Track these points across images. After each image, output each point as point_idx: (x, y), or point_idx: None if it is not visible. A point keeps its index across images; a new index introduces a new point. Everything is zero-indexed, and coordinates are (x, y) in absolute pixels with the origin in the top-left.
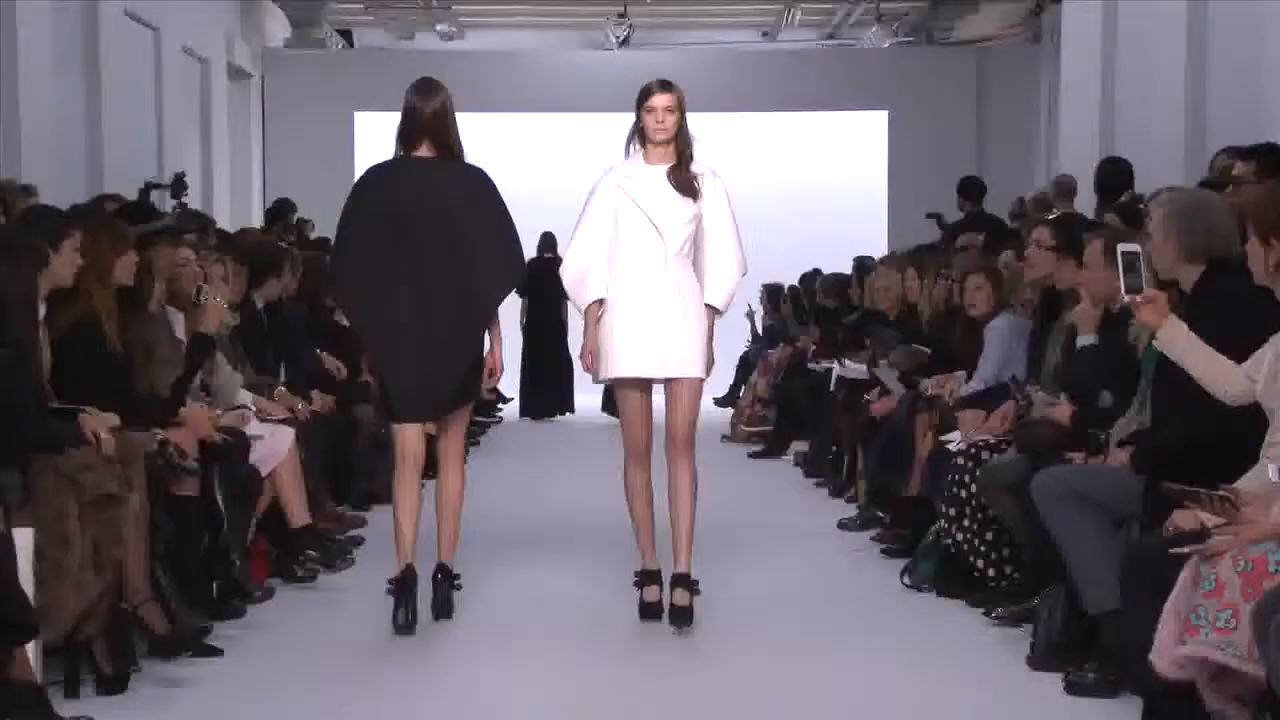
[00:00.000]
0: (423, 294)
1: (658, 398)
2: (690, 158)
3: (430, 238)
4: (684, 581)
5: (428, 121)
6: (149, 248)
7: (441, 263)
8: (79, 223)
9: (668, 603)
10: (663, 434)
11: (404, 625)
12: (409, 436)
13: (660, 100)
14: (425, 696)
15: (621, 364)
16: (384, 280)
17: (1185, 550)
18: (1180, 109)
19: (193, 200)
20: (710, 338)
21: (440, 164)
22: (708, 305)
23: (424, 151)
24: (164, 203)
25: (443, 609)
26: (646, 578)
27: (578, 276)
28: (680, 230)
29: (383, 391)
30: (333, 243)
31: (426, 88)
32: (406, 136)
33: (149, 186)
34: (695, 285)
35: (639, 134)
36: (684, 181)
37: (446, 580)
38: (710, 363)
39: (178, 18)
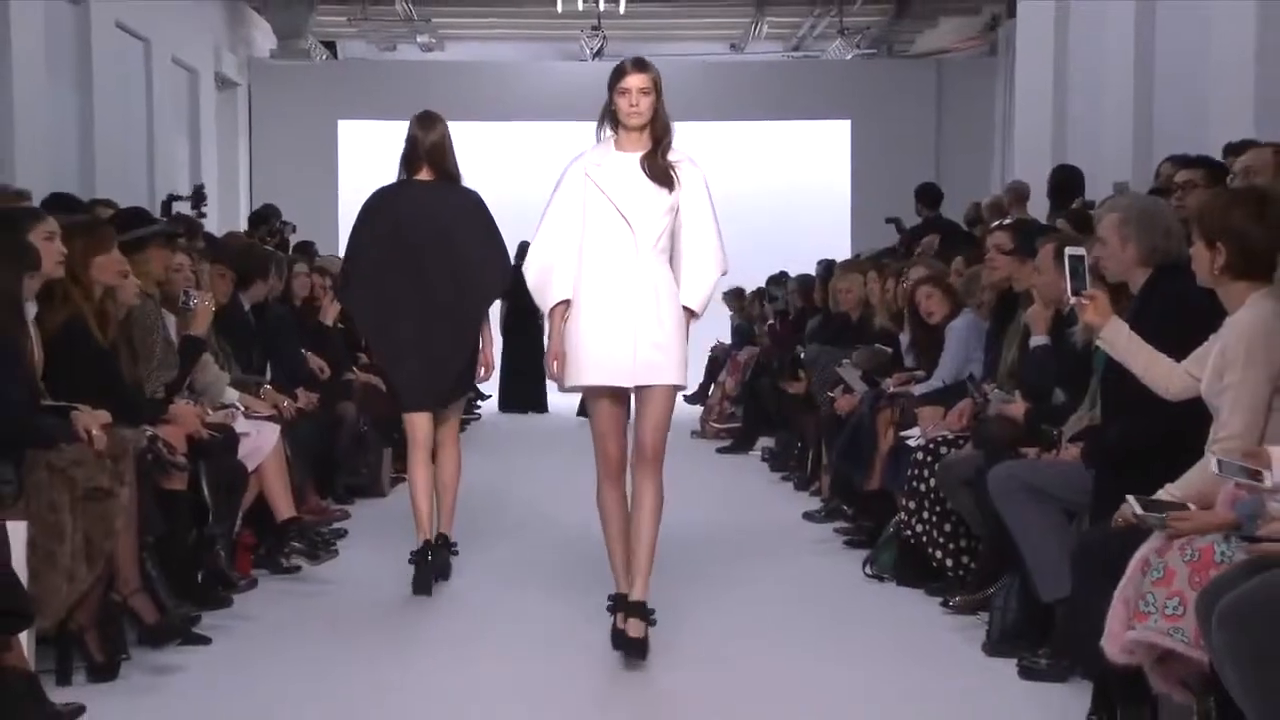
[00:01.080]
0: (424, 301)
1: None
2: (668, 145)
3: (430, 252)
4: (639, 610)
5: (428, 150)
6: (140, 251)
7: (440, 274)
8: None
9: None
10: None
11: (421, 587)
12: (419, 424)
13: (634, 80)
14: (406, 683)
15: (588, 371)
16: (389, 289)
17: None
18: (1129, 119)
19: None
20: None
21: (439, 187)
22: (684, 307)
23: (425, 176)
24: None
25: (441, 572)
26: (621, 604)
27: (541, 276)
28: (654, 223)
29: (390, 387)
30: (344, 255)
31: (427, 120)
32: (409, 162)
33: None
34: (671, 284)
35: (610, 117)
36: (659, 170)
37: (444, 547)
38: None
39: (167, 29)
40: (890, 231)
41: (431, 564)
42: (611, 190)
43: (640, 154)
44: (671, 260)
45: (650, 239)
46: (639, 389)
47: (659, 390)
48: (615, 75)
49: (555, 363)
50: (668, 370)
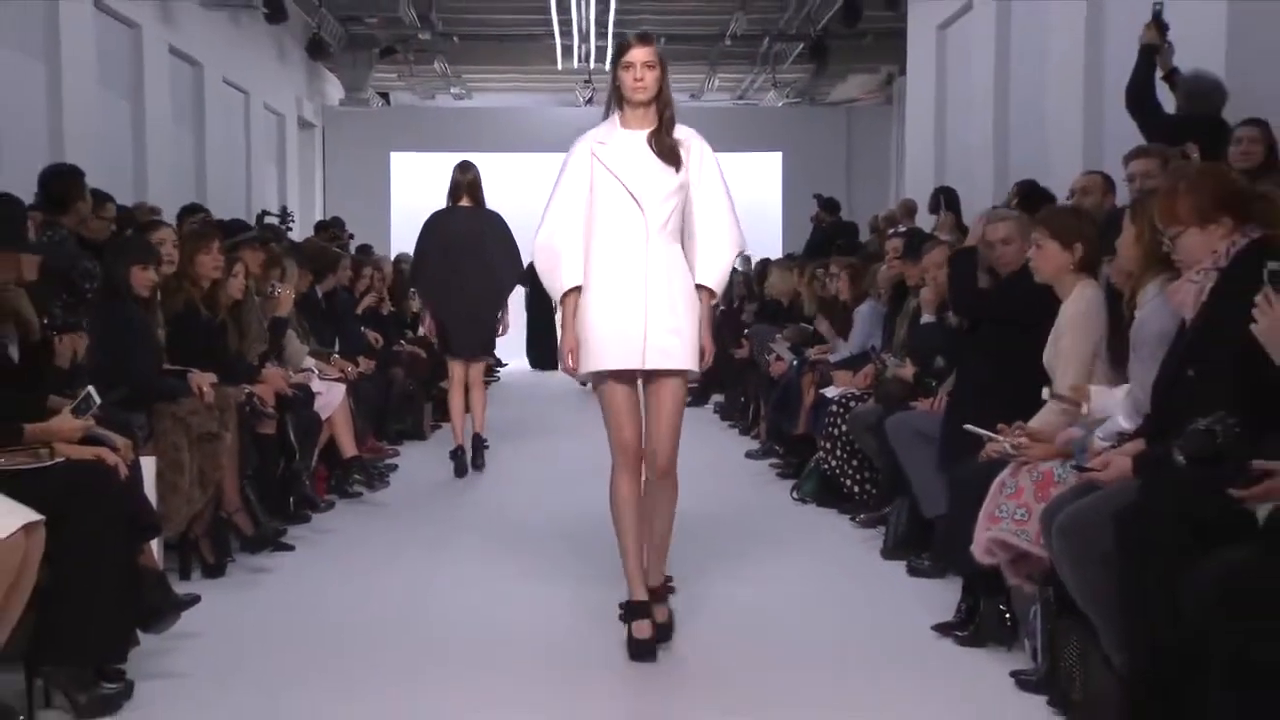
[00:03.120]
0: (465, 287)
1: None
2: (673, 120)
3: (469, 255)
4: (660, 595)
5: (466, 186)
6: (238, 251)
7: (475, 269)
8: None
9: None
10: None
11: (461, 473)
12: (459, 368)
13: (638, 54)
14: (443, 578)
15: (599, 356)
16: (444, 279)
17: (995, 458)
18: (990, 152)
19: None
20: (709, 323)
21: (474, 211)
22: (700, 286)
23: (465, 203)
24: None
25: (476, 463)
26: (635, 611)
27: (549, 260)
28: (664, 203)
29: (444, 342)
30: (413, 257)
31: (465, 166)
32: (454, 194)
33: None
34: (683, 266)
35: (616, 95)
36: (666, 148)
37: (479, 443)
38: (704, 352)
39: (262, 84)
40: (809, 236)
41: (471, 459)
42: (619, 170)
43: (647, 131)
44: (684, 240)
45: (660, 219)
46: (648, 381)
47: (669, 383)
48: (619, 51)
49: (570, 355)
50: (680, 355)
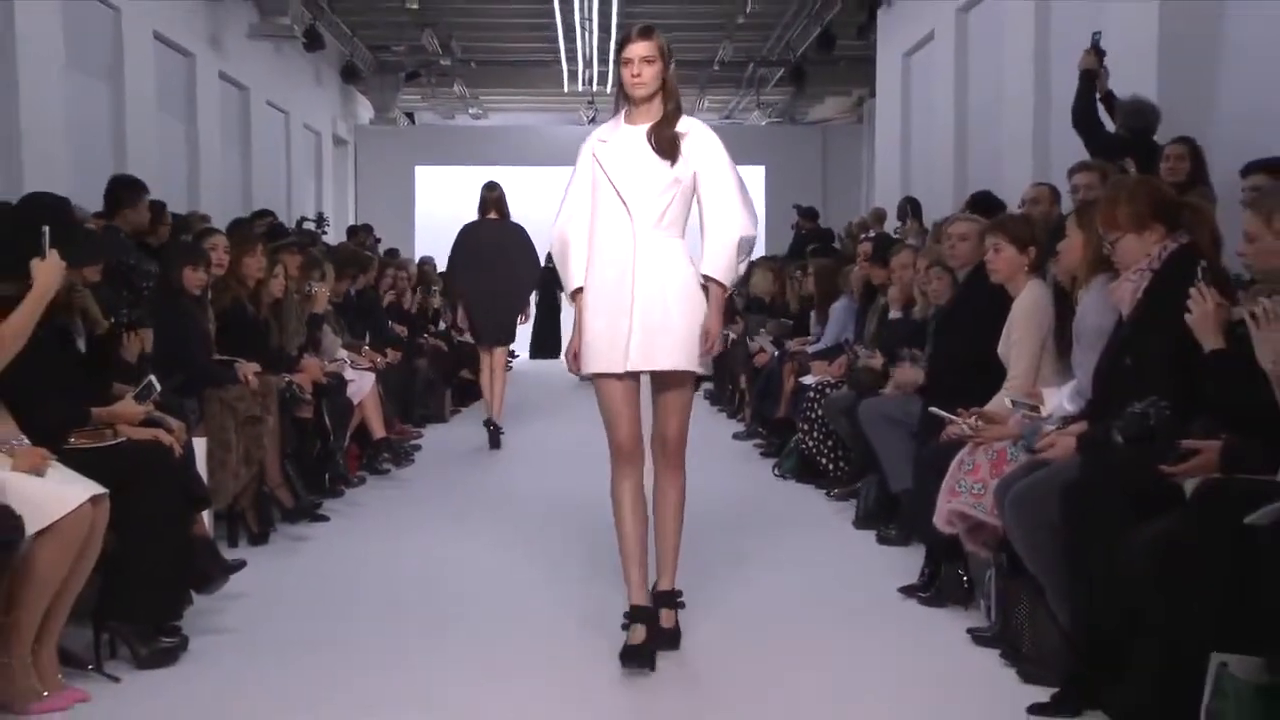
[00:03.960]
0: (493, 287)
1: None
2: (677, 113)
3: (496, 260)
4: (668, 599)
5: (492, 202)
6: (280, 253)
7: (501, 273)
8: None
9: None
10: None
11: (494, 444)
12: (487, 355)
13: (636, 49)
14: (465, 544)
15: (589, 359)
16: (475, 281)
17: (955, 438)
18: (950, 169)
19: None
20: (716, 312)
21: (500, 223)
22: (707, 278)
23: (492, 216)
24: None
25: (494, 444)
26: (635, 615)
27: (560, 260)
28: (653, 200)
29: (475, 333)
30: (448, 264)
31: (492, 186)
32: (483, 209)
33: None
34: (681, 259)
35: (621, 92)
36: (664, 141)
37: (496, 428)
38: (709, 337)
39: (301, 104)
40: (790, 240)
41: (489, 438)
42: (611, 168)
43: (648, 126)
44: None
45: (650, 217)
46: (654, 377)
47: (668, 379)
48: (620, 45)
49: (573, 357)
50: (668, 354)
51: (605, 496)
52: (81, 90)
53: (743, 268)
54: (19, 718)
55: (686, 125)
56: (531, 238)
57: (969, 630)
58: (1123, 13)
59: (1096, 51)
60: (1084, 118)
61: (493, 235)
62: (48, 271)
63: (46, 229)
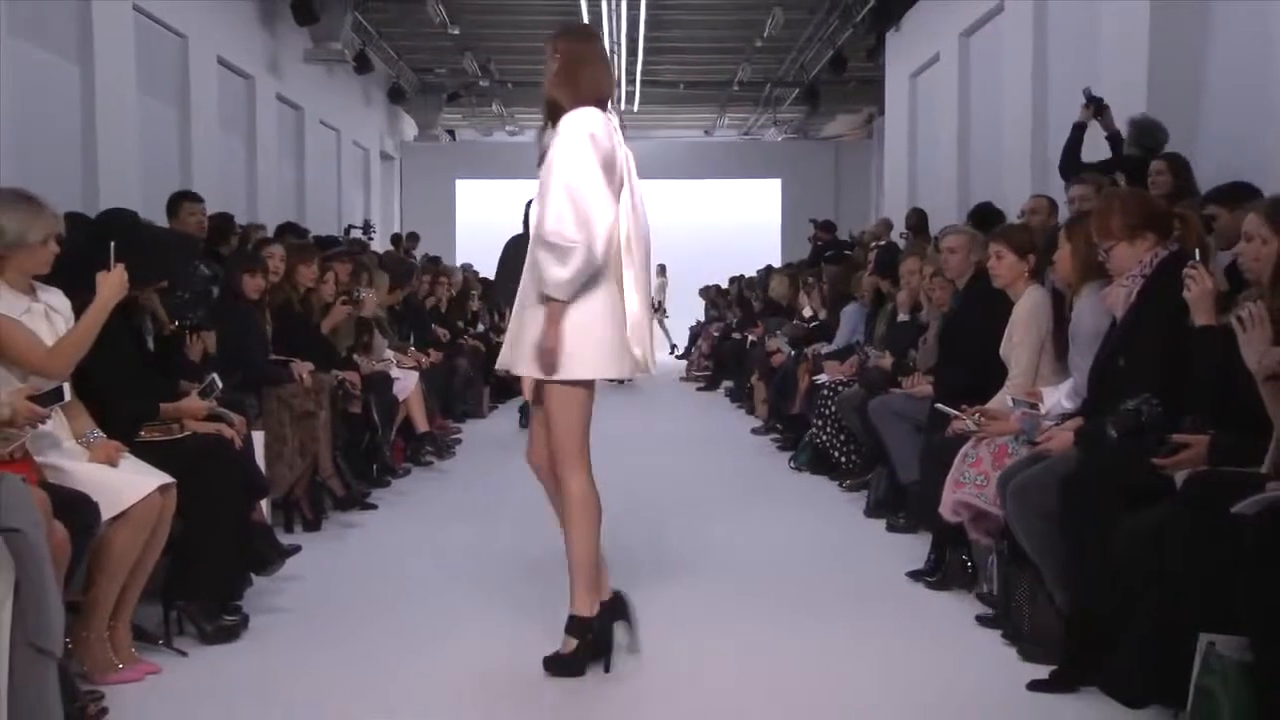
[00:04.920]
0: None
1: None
2: (553, 113)
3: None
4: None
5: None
6: (331, 261)
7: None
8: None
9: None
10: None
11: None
12: None
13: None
14: (503, 531)
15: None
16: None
17: (960, 433)
18: (954, 181)
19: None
20: (545, 325)
21: None
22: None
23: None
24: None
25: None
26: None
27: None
28: (537, 205)
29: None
30: (494, 274)
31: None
32: (527, 224)
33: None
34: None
35: None
36: (542, 148)
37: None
38: (548, 360)
39: (350, 122)
40: (806, 250)
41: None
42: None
43: None
44: None
45: (535, 221)
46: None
47: (542, 384)
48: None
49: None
50: (523, 359)
51: (638, 480)
52: (152, 112)
53: (562, 274)
54: (97, 686)
55: (563, 123)
56: None
57: (975, 615)
58: (1114, 37)
59: (1093, 103)
60: (1070, 166)
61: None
62: (110, 284)
63: (113, 243)
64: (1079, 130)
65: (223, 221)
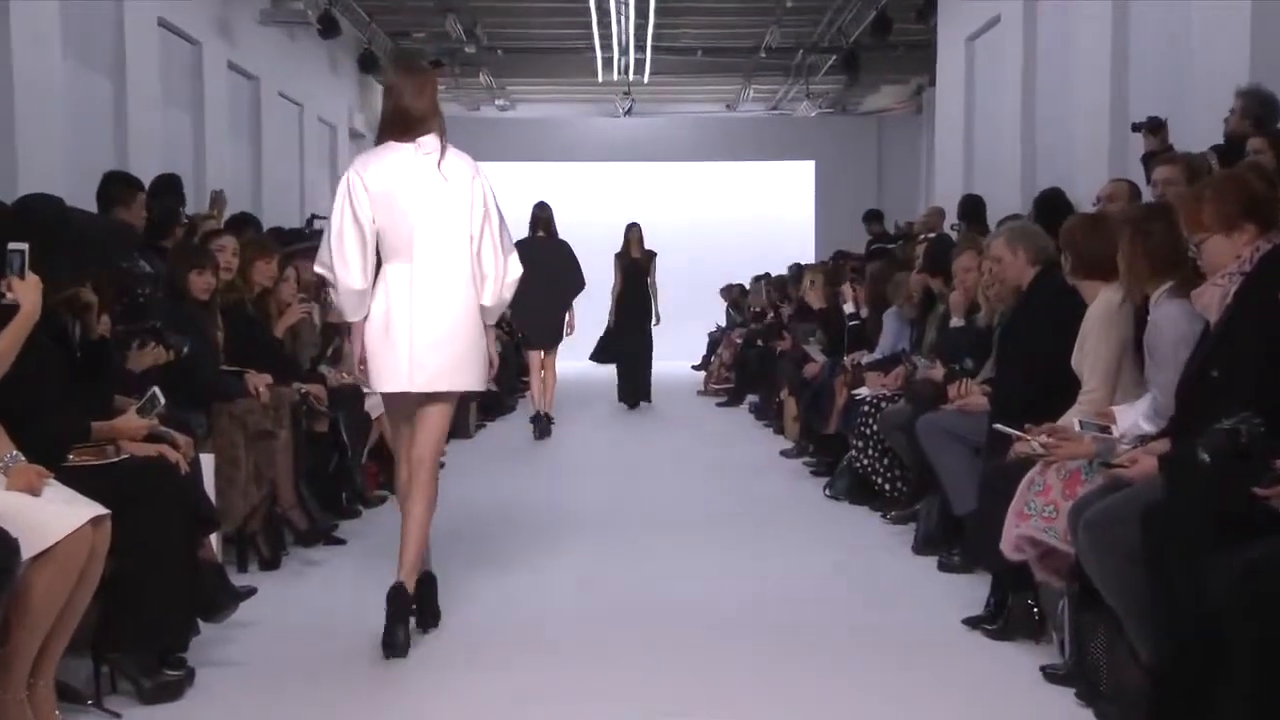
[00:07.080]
0: (542, 298)
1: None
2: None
3: (545, 274)
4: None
5: (543, 222)
6: (293, 258)
7: (549, 285)
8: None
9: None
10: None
11: (541, 435)
12: (536, 357)
13: None
14: (488, 570)
15: None
16: (526, 292)
17: (1024, 457)
18: (1017, 164)
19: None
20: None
21: (550, 240)
22: None
23: (541, 234)
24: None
25: (545, 432)
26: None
27: None
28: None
29: (525, 339)
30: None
31: (543, 206)
32: (534, 227)
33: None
34: None
35: None
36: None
37: (548, 419)
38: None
39: (315, 96)
40: (844, 242)
41: (540, 430)
42: None
43: None
44: None
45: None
46: None
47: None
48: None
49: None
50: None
51: (649, 511)
52: (81, 82)
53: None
54: None
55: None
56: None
57: (1041, 667)
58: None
59: (1151, 130)
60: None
61: (543, 253)
62: (29, 297)
63: (25, 247)
64: (1149, 161)
65: (165, 211)
